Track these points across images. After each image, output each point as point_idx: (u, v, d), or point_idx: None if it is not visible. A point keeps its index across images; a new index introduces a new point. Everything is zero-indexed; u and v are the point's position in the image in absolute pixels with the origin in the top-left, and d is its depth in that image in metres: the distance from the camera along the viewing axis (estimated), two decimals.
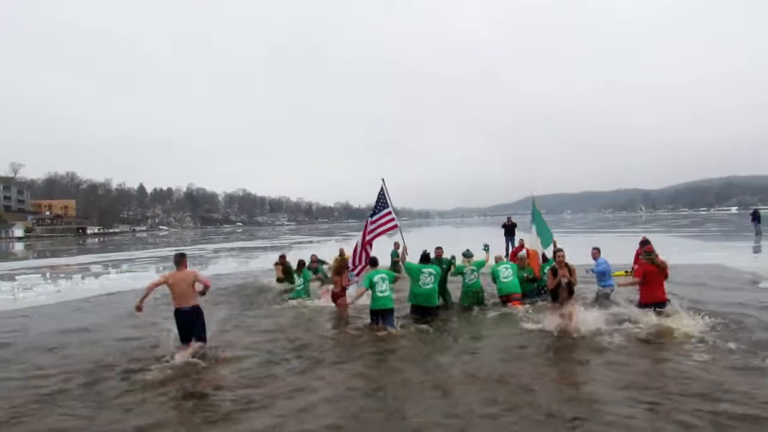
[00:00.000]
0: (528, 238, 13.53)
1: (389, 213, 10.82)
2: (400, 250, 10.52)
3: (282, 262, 15.22)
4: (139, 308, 7.26)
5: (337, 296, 10.78)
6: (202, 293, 7.44)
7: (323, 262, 15.16)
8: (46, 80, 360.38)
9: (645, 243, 10.35)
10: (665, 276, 8.44)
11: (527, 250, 12.29)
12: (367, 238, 10.67)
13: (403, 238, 10.67)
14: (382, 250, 10.34)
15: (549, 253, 11.35)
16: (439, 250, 11.16)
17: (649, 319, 8.09)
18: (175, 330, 7.38)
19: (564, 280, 8.59)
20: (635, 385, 5.54)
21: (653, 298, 8.33)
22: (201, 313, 7.43)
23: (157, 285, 7.34)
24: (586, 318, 8.07)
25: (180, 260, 7.59)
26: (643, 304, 8.42)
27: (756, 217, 31.39)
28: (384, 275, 9.08)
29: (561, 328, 7.98)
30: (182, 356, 7.01)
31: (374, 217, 10.82)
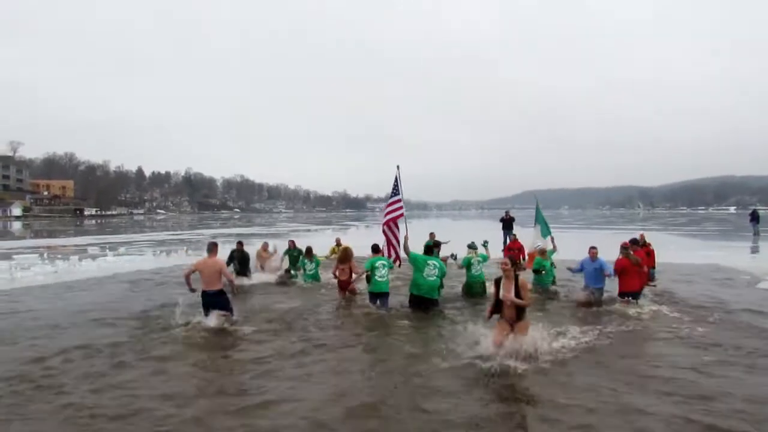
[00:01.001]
0: (529, 239, 13.72)
1: (399, 200, 10.93)
2: (402, 240, 10.58)
3: (240, 249, 13.67)
4: (192, 290, 8.35)
5: (344, 283, 10.97)
6: (229, 289, 8.48)
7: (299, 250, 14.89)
8: (46, 62, 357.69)
9: (634, 241, 10.75)
10: (640, 270, 9.81)
11: (528, 254, 12.76)
12: (386, 220, 10.85)
13: (406, 228, 10.74)
14: (414, 238, 10.58)
15: (549, 245, 12.90)
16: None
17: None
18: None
19: (508, 301, 6.51)
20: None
21: (627, 287, 9.76)
22: (225, 294, 8.36)
23: (191, 272, 8.28)
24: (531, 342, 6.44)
25: (212, 248, 8.48)
26: (620, 293, 9.85)
27: (755, 217, 31.47)
28: (384, 262, 9.95)
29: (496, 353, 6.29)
30: (211, 320, 8.14)
31: (390, 201, 10.96)
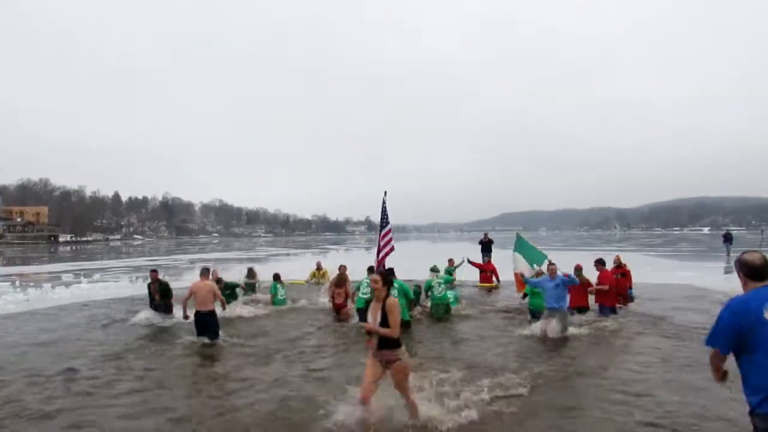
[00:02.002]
0: (513, 262, 13.81)
1: (389, 231, 10.96)
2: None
3: (155, 279, 11.70)
4: (186, 317, 9.11)
5: (340, 306, 11.29)
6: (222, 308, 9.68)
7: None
8: (20, 87, 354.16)
9: (600, 261, 11.11)
10: (587, 288, 10.70)
11: (515, 274, 12.91)
12: (380, 256, 10.84)
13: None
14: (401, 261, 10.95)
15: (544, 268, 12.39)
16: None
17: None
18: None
19: (371, 330, 4.92)
20: None
21: (576, 303, 10.47)
22: (215, 316, 9.02)
23: (188, 298, 8.97)
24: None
25: (204, 272, 9.49)
26: (570, 308, 10.02)
27: (728, 238, 32.17)
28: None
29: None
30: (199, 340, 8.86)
31: (382, 233, 10.96)
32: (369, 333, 4.97)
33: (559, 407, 5.57)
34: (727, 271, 21.75)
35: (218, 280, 12.21)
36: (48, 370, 7.26)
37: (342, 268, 12.00)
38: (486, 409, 5.37)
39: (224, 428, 5.13)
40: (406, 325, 9.52)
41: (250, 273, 15.08)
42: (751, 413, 2.93)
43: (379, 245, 11.30)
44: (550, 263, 9.59)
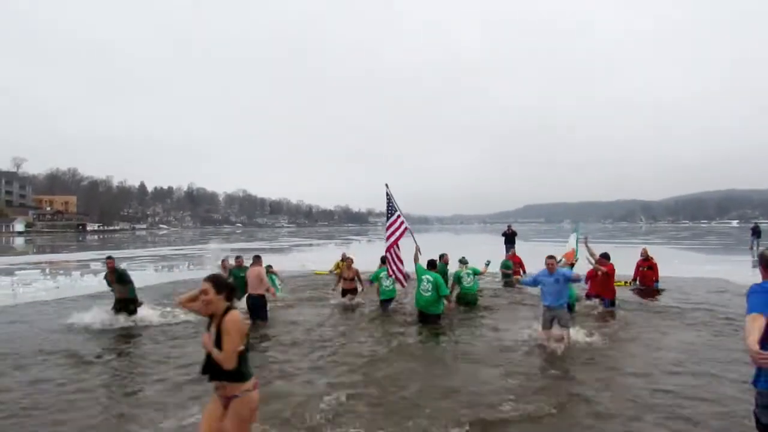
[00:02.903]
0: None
1: (399, 217, 10.92)
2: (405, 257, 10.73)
3: (111, 268, 10.28)
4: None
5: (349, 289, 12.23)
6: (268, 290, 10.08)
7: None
8: (50, 79, 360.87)
9: (605, 255, 11.14)
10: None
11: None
12: (388, 244, 10.80)
13: (415, 240, 10.79)
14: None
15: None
16: (444, 256, 12.42)
17: None
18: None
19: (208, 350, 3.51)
20: None
21: (594, 291, 11.20)
22: (264, 299, 9.94)
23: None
24: None
25: (255, 260, 10.49)
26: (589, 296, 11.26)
27: (756, 232, 31.07)
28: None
29: None
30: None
31: (388, 223, 10.92)
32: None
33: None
34: (755, 266, 21.30)
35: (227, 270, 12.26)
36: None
37: (348, 261, 12.58)
38: None
39: None
40: (435, 318, 9.67)
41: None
42: None
43: (389, 237, 11.27)
44: (549, 257, 8.29)
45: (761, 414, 3.13)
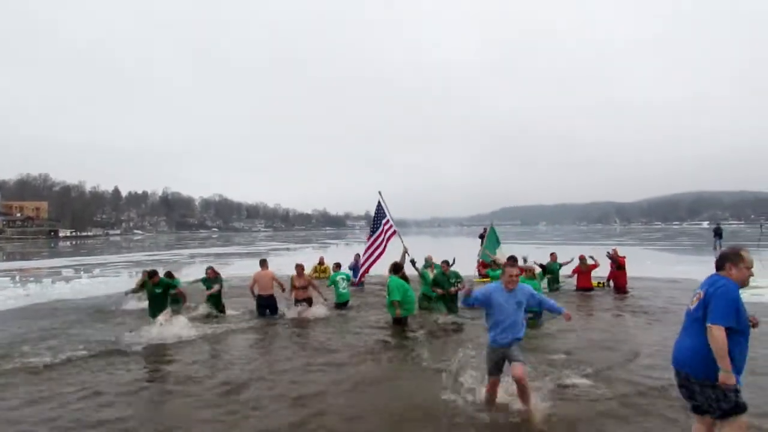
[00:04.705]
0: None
1: (387, 222, 11.03)
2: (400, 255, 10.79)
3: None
4: (255, 296, 11.08)
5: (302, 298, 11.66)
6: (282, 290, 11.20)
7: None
8: (22, 84, 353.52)
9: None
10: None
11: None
12: (373, 257, 10.91)
13: (402, 242, 10.85)
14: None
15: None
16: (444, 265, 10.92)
17: None
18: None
19: None
20: None
21: (582, 285, 13.53)
22: (275, 299, 11.14)
23: (253, 284, 11.11)
24: None
25: (263, 263, 11.48)
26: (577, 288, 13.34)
27: (717, 233, 32.43)
28: (344, 276, 11.86)
29: None
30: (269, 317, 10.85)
31: (376, 233, 10.95)
32: None
33: None
34: None
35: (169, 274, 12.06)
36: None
37: (299, 268, 11.31)
38: None
39: None
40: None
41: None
42: None
43: (368, 248, 11.50)
44: (510, 264, 5.33)
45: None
